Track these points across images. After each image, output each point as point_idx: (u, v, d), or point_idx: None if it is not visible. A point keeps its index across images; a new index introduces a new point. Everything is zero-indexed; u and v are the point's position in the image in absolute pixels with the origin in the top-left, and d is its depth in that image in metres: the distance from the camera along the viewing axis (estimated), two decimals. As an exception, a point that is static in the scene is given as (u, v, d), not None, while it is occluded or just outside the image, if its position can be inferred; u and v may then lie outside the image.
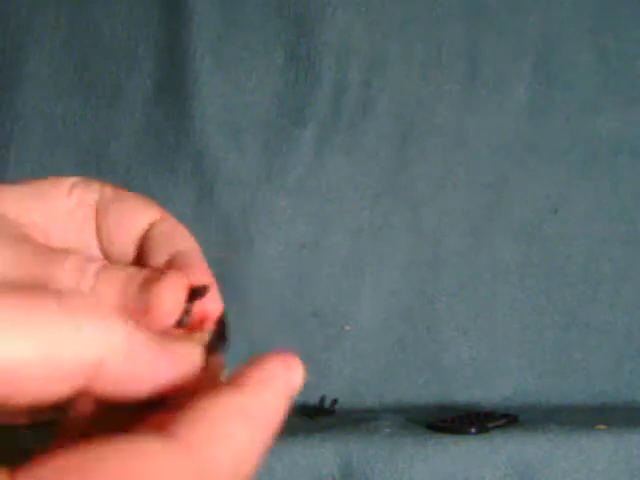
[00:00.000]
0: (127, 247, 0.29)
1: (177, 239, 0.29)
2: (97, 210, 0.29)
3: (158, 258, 0.28)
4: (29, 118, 0.73)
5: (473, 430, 0.57)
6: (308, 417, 0.66)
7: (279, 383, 0.22)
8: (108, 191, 0.29)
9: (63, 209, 0.29)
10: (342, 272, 0.71)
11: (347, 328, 0.70)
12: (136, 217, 0.29)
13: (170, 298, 0.25)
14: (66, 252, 0.27)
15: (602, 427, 0.57)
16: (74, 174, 0.79)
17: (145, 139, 0.73)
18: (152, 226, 0.29)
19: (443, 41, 0.74)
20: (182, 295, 0.26)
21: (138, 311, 0.25)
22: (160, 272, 0.26)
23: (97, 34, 0.74)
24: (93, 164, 0.73)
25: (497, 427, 0.58)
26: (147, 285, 0.26)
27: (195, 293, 0.26)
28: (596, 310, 0.71)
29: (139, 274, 0.26)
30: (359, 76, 0.73)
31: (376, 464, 0.55)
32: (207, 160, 0.72)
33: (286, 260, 0.72)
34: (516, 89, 0.73)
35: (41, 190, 0.29)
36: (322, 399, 0.68)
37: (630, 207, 0.73)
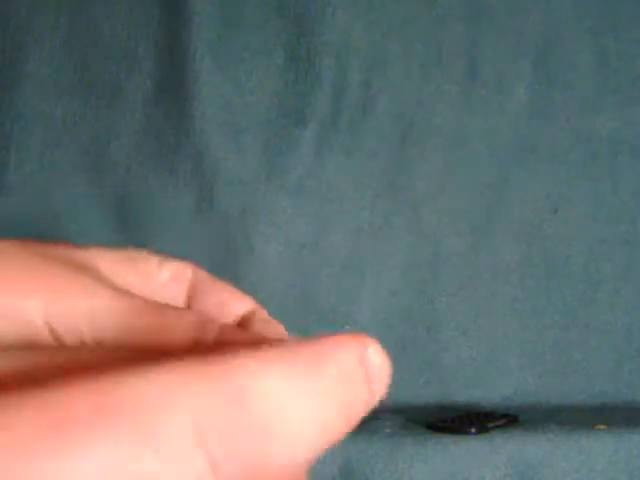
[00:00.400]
0: None
1: (278, 330, 0.28)
2: (192, 289, 0.28)
3: None
4: (29, 118, 0.73)
5: (473, 430, 0.57)
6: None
7: (346, 355, 0.19)
8: (203, 273, 0.29)
9: (156, 281, 0.28)
10: (342, 272, 0.71)
11: (347, 328, 0.70)
12: (235, 302, 0.29)
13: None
14: (181, 308, 0.26)
15: (602, 427, 0.57)
16: (74, 174, 0.79)
17: (145, 139, 0.73)
18: (251, 314, 0.29)
19: (443, 41, 0.74)
20: None
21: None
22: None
23: (97, 34, 0.74)
24: (93, 164, 0.73)
25: (497, 427, 0.58)
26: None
27: None
28: (596, 310, 0.71)
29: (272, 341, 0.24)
30: (359, 76, 0.73)
31: (376, 464, 0.55)
32: (207, 160, 0.72)
33: (286, 260, 0.72)
34: (516, 89, 0.73)
35: (132, 257, 0.28)
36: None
37: (630, 207, 0.73)
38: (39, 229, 0.71)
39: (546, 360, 0.71)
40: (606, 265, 0.72)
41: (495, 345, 0.72)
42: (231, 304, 0.28)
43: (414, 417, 0.62)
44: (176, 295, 0.28)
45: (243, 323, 0.29)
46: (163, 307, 0.24)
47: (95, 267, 0.26)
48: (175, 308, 0.25)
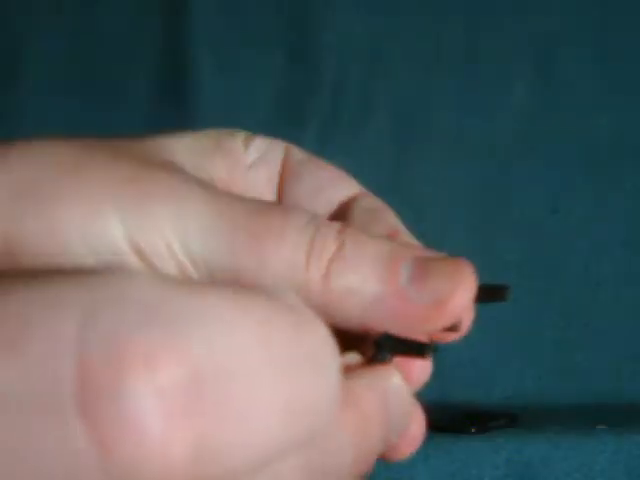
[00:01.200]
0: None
1: (390, 220, 0.23)
2: (285, 171, 0.24)
3: None
4: (29, 118, 0.73)
5: (473, 430, 0.57)
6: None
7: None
8: (297, 152, 0.25)
9: (243, 164, 0.24)
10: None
11: None
12: (335, 186, 0.24)
13: (469, 291, 0.18)
14: (284, 207, 0.21)
15: (602, 427, 0.57)
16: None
17: (145, 139, 0.73)
18: (354, 200, 0.24)
19: (443, 40, 0.74)
20: (474, 291, 0.19)
21: (408, 297, 0.18)
22: (439, 254, 0.20)
23: (97, 34, 0.74)
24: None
25: (497, 427, 0.58)
26: (430, 267, 0.18)
27: (486, 293, 0.19)
28: (596, 310, 0.71)
29: (406, 249, 0.19)
30: (359, 76, 0.73)
31: (376, 464, 0.55)
32: (207, 160, 0.72)
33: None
34: (516, 89, 0.73)
35: (216, 140, 0.24)
36: (322, 399, 0.68)
37: (630, 207, 0.73)
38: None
39: (546, 360, 0.71)
40: (606, 265, 0.72)
41: (495, 345, 0.71)
42: (330, 188, 0.24)
43: (414, 417, 0.62)
44: (267, 179, 0.24)
45: (343, 211, 0.24)
46: (264, 207, 0.19)
47: (177, 162, 0.21)
48: (277, 206, 0.20)
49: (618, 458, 0.55)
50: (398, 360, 0.20)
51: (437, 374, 0.78)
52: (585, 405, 0.69)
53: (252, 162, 0.24)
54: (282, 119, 0.73)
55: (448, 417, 0.61)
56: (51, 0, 0.74)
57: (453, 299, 0.18)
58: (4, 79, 0.73)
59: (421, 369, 0.22)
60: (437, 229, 0.73)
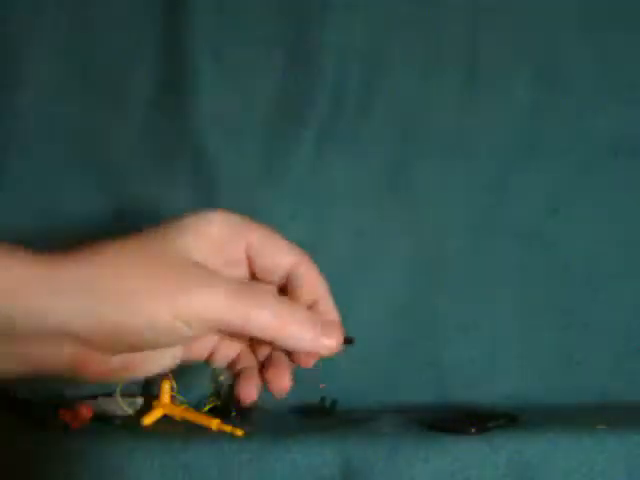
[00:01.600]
0: (274, 284, 0.34)
1: (316, 285, 0.34)
2: (251, 247, 0.33)
3: (301, 300, 0.34)
4: (29, 118, 0.73)
5: (473, 430, 0.57)
6: (308, 417, 0.66)
7: None
8: (259, 229, 0.33)
9: (216, 245, 0.32)
10: (342, 272, 0.71)
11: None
12: (285, 257, 0.33)
13: (340, 339, 0.32)
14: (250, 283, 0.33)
15: (602, 427, 0.57)
16: (74, 174, 0.79)
17: (145, 139, 0.73)
18: (295, 267, 0.34)
19: (443, 41, 0.74)
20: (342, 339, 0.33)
21: (315, 347, 0.32)
22: (334, 320, 0.34)
23: (97, 34, 0.74)
24: (93, 164, 0.73)
25: (497, 427, 0.58)
26: (329, 329, 0.32)
27: (345, 340, 0.33)
28: (596, 310, 0.71)
29: (319, 318, 0.32)
30: (359, 76, 0.73)
31: (376, 464, 0.55)
32: (207, 160, 0.72)
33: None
34: (516, 89, 0.73)
35: (193, 227, 0.32)
36: (322, 399, 0.68)
37: (630, 207, 0.73)
38: (39, 226, 0.71)
39: (546, 360, 0.71)
40: (606, 265, 0.72)
41: (495, 345, 0.71)
42: (283, 258, 0.33)
43: (414, 417, 0.62)
44: (237, 255, 0.33)
45: (289, 277, 0.34)
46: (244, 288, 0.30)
47: (192, 257, 0.31)
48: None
49: (618, 458, 0.55)
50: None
51: (437, 374, 0.78)
52: (585, 405, 0.69)
53: (223, 243, 0.32)
54: (282, 119, 0.73)
55: (448, 417, 0.61)
56: (51, 0, 0.74)
57: (335, 343, 0.32)
58: (4, 79, 0.73)
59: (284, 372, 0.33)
60: (437, 228, 0.73)
